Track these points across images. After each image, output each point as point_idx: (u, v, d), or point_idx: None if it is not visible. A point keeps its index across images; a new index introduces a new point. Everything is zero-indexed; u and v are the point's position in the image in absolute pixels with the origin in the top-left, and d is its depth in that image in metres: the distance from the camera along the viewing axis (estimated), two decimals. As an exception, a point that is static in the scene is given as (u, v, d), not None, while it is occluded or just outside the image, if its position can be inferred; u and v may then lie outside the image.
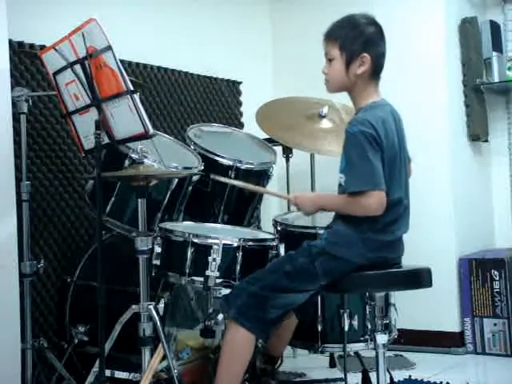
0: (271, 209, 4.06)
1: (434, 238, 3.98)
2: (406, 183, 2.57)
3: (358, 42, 2.51)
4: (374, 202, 2.41)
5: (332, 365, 3.64)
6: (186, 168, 2.99)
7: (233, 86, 4.32)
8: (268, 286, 2.50)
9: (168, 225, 2.86)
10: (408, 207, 2.57)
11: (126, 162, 2.82)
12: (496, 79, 4.21)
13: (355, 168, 2.43)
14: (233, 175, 3.18)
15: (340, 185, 2.50)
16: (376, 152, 2.42)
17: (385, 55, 2.57)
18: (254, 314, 2.48)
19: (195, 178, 3.04)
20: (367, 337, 3.07)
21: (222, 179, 3.04)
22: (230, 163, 3.19)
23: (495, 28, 4.25)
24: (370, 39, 2.52)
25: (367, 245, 2.47)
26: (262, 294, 2.49)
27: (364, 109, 2.53)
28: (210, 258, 2.65)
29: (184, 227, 2.90)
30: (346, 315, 2.97)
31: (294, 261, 2.53)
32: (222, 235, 2.74)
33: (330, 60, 2.56)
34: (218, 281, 2.67)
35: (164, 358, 2.58)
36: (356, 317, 3.04)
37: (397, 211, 2.50)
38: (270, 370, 2.99)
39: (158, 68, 3.83)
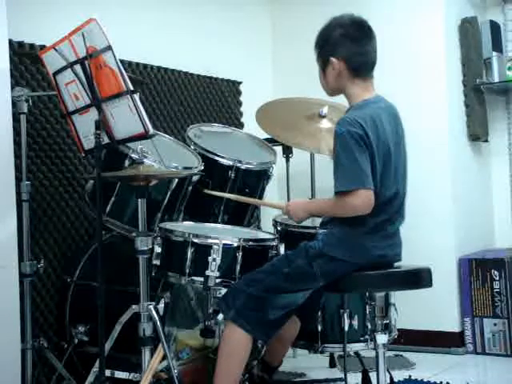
0: (271, 209, 4.05)
1: (433, 238, 3.98)
2: (403, 177, 2.56)
3: (325, 48, 2.55)
4: (362, 200, 2.40)
5: (332, 365, 3.64)
6: (186, 168, 2.99)
7: (233, 86, 4.32)
8: (267, 288, 2.50)
9: (168, 225, 2.86)
10: (403, 201, 2.56)
11: (126, 162, 2.82)
12: (496, 79, 4.21)
13: (342, 168, 2.43)
14: (233, 175, 3.18)
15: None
16: (363, 151, 2.41)
17: (363, 53, 2.52)
18: (254, 315, 2.48)
19: (195, 178, 3.04)
20: (367, 337, 3.07)
21: (215, 193, 3.03)
22: (230, 163, 3.19)
23: (495, 28, 4.24)
24: (335, 42, 2.52)
25: (364, 244, 2.48)
26: (261, 295, 2.49)
27: (354, 107, 2.52)
28: (209, 258, 2.65)
29: (184, 227, 2.90)
30: (346, 315, 2.97)
31: (292, 262, 2.52)
32: (222, 235, 2.75)
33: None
34: (218, 281, 2.67)
35: (164, 358, 2.57)
36: (356, 317, 3.04)
37: (391, 207, 2.50)
38: (267, 378, 2.97)
39: (158, 68, 3.83)
